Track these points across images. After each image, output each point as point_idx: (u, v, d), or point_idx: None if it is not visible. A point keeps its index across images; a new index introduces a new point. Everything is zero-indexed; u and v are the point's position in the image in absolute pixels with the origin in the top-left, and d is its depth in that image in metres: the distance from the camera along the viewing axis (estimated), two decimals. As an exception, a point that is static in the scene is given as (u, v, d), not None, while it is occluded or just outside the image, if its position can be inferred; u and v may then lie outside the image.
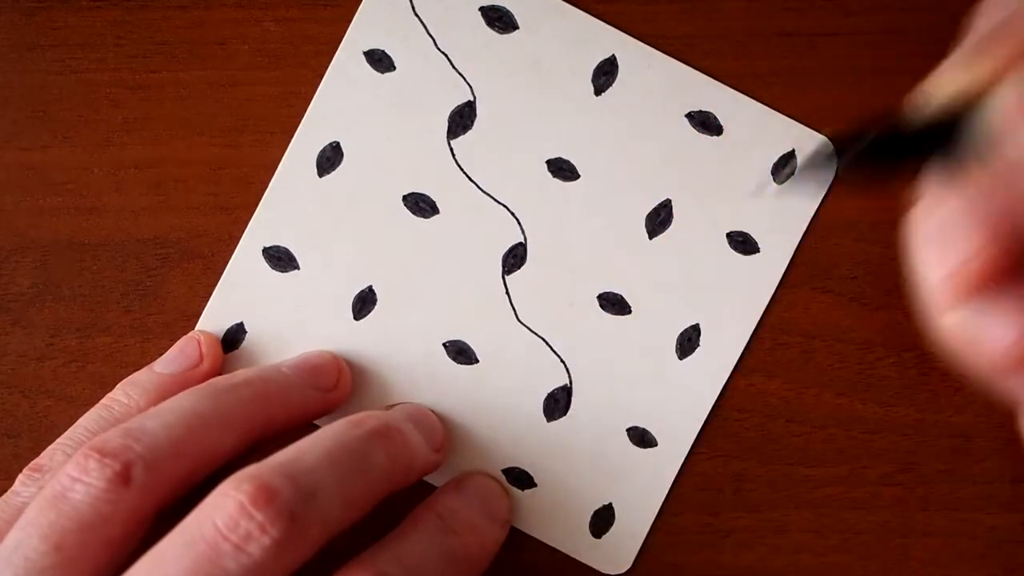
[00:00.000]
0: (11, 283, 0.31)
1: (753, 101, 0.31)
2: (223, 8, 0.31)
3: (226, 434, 0.26)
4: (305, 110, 0.31)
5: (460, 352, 0.31)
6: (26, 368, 0.31)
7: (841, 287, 0.31)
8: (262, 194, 0.31)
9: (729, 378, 0.31)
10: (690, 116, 0.31)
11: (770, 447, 0.31)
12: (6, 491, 0.27)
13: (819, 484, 0.31)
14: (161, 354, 0.30)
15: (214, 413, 0.26)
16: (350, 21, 0.31)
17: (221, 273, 0.31)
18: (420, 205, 0.31)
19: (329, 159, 0.31)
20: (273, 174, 0.31)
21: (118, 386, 0.29)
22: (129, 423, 0.25)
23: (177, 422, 0.25)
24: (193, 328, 0.31)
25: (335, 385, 0.30)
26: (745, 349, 0.31)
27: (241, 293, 0.31)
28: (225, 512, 0.22)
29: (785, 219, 0.31)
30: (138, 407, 0.28)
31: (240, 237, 0.31)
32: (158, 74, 0.31)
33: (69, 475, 0.24)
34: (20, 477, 0.26)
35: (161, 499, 0.24)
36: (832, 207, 0.31)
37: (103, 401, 0.29)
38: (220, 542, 0.22)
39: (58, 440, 0.27)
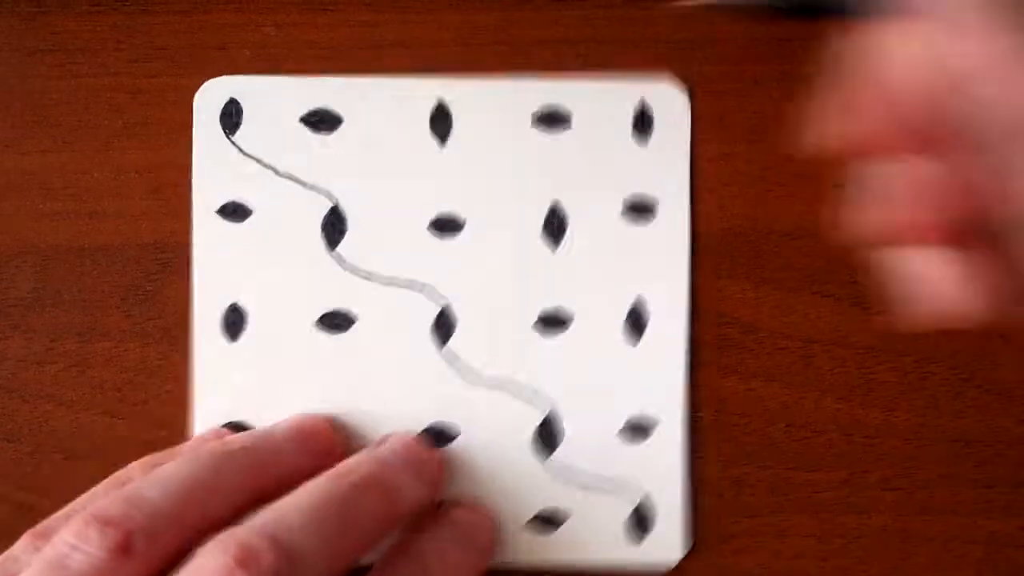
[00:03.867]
0: (11, 288, 0.31)
1: (586, 76, 0.31)
2: (223, 13, 0.31)
3: (224, 503, 0.25)
4: (305, 113, 0.31)
5: (438, 437, 0.31)
6: (26, 372, 0.31)
7: (840, 291, 0.31)
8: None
9: (727, 382, 0.31)
10: (539, 120, 0.31)
11: (770, 452, 0.31)
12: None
13: (819, 489, 0.31)
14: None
15: (213, 481, 0.26)
16: (350, 25, 0.31)
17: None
18: (335, 323, 0.31)
19: (234, 323, 0.31)
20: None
21: (136, 463, 0.29)
22: (128, 491, 0.25)
23: (177, 490, 0.25)
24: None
25: (329, 450, 0.29)
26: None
27: None
28: (211, 573, 0.22)
29: (667, 177, 0.31)
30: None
31: (239, 241, 0.31)
32: (158, 79, 0.31)
33: (67, 542, 0.23)
34: (22, 542, 0.26)
35: (159, 568, 0.24)
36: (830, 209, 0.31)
37: (118, 474, 0.28)
38: None
39: (66, 507, 0.27)
